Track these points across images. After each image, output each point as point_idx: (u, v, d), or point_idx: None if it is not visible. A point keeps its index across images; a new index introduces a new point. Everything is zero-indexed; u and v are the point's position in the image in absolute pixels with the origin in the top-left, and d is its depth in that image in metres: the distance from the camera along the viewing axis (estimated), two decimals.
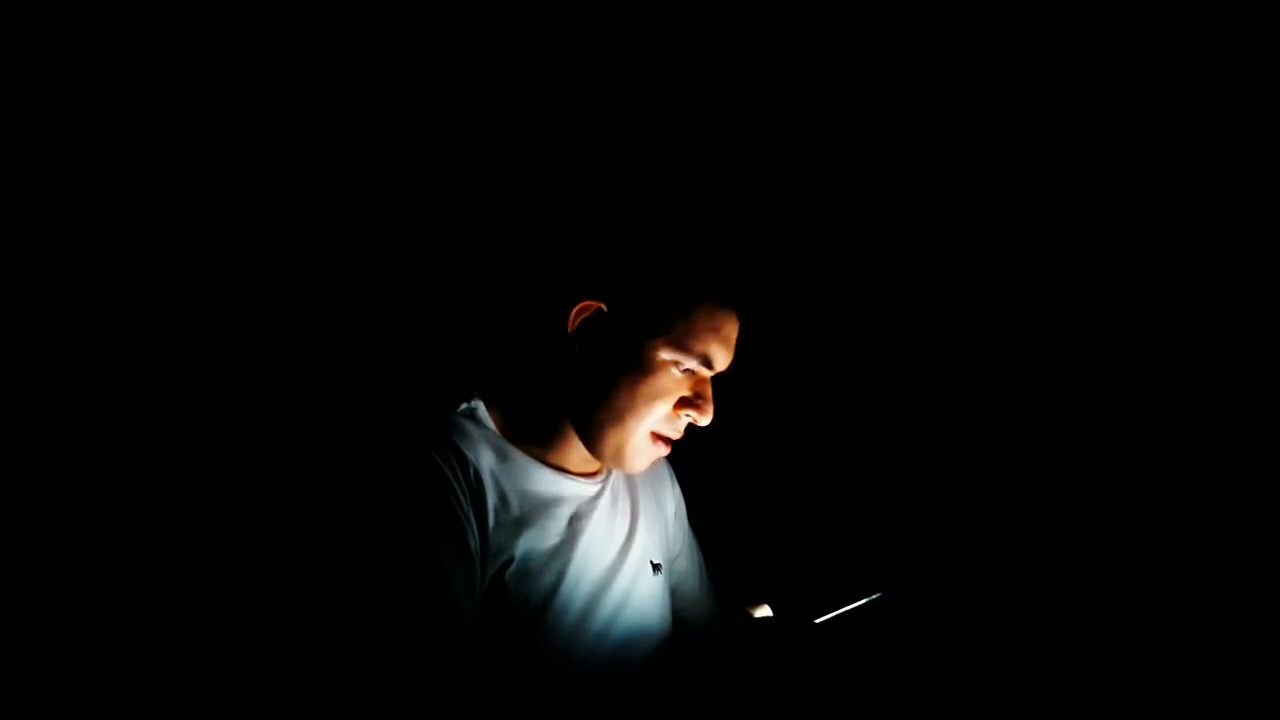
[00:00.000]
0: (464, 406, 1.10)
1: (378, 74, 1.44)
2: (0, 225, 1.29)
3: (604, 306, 1.08)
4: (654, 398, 1.06)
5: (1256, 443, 1.33)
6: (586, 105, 1.49)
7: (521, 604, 1.03)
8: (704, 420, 1.10)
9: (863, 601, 1.11)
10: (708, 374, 1.10)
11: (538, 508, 1.08)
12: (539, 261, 1.22)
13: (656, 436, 1.10)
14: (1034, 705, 1.32)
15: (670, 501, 1.31)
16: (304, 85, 1.41)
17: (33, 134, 1.31)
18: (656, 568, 1.20)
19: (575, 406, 1.10)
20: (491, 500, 1.03)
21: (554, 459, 1.13)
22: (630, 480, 1.24)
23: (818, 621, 1.10)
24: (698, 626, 1.29)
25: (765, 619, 1.15)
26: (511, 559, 1.03)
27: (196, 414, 1.36)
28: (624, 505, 1.20)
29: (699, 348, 1.07)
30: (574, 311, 1.08)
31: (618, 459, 1.10)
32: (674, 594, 1.26)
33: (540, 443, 1.12)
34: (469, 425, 1.08)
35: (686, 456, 1.17)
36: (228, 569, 1.28)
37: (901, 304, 1.54)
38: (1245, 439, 1.34)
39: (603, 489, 1.16)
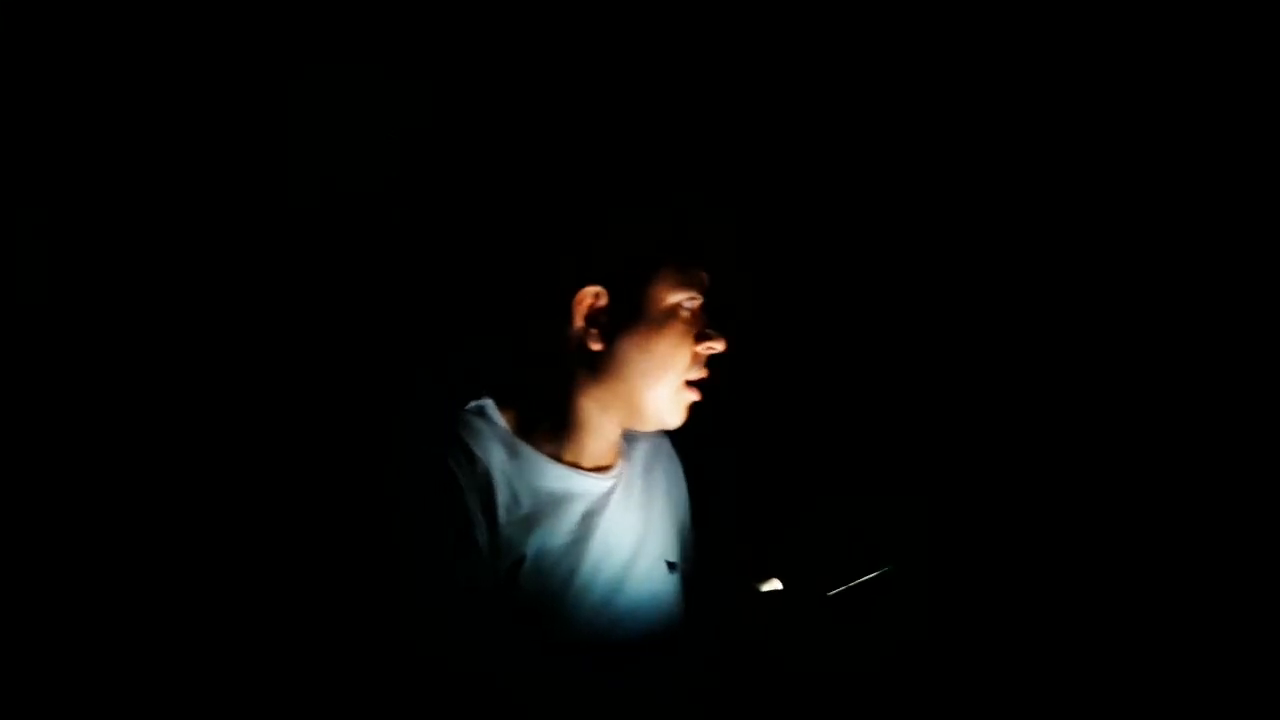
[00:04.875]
0: (473, 405, 1.10)
1: (390, 74, 1.46)
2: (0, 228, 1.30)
3: (601, 288, 1.09)
4: (678, 343, 1.11)
5: (1255, 410, 1.33)
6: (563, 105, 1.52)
7: (535, 602, 1.03)
8: (720, 346, 1.13)
9: (874, 574, 1.12)
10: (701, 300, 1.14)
11: (550, 505, 1.08)
12: (530, 262, 1.23)
13: (688, 384, 1.13)
14: (1040, 678, 1.33)
15: (683, 498, 1.30)
16: (306, 87, 1.43)
17: (34, 136, 1.32)
18: (672, 566, 1.20)
19: (610, 384, 1.11)
20: (502, 498, 1.04)
21: (567, 455, 1.13)
22: (644, 476, 1.23)
23: (830, 594, 1.10)
24: (698, 620, 1.27)
25: (775, 593, 1.15)
26: (524, 557, 1.03)
27: (213, 420, 1.38)
28: (638, 501, 1.19)
29: (695, 273, 1.12)
30: (576, 301, 1.09)
31: (659, 417, 1.13)
32: None
33: (553, 438, 1.12)
34: (479, 423, 1.08)
35: (687, 434, 1.19)
36: (240, 572, 1.29)
37: (902, 278, 1.55)
38: (1241, 409, 1.34)
39: (615, 485, 1.16)
